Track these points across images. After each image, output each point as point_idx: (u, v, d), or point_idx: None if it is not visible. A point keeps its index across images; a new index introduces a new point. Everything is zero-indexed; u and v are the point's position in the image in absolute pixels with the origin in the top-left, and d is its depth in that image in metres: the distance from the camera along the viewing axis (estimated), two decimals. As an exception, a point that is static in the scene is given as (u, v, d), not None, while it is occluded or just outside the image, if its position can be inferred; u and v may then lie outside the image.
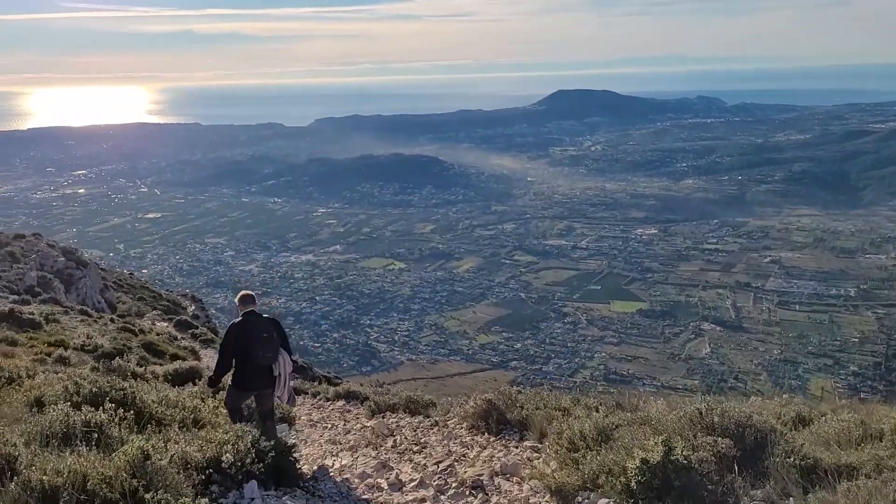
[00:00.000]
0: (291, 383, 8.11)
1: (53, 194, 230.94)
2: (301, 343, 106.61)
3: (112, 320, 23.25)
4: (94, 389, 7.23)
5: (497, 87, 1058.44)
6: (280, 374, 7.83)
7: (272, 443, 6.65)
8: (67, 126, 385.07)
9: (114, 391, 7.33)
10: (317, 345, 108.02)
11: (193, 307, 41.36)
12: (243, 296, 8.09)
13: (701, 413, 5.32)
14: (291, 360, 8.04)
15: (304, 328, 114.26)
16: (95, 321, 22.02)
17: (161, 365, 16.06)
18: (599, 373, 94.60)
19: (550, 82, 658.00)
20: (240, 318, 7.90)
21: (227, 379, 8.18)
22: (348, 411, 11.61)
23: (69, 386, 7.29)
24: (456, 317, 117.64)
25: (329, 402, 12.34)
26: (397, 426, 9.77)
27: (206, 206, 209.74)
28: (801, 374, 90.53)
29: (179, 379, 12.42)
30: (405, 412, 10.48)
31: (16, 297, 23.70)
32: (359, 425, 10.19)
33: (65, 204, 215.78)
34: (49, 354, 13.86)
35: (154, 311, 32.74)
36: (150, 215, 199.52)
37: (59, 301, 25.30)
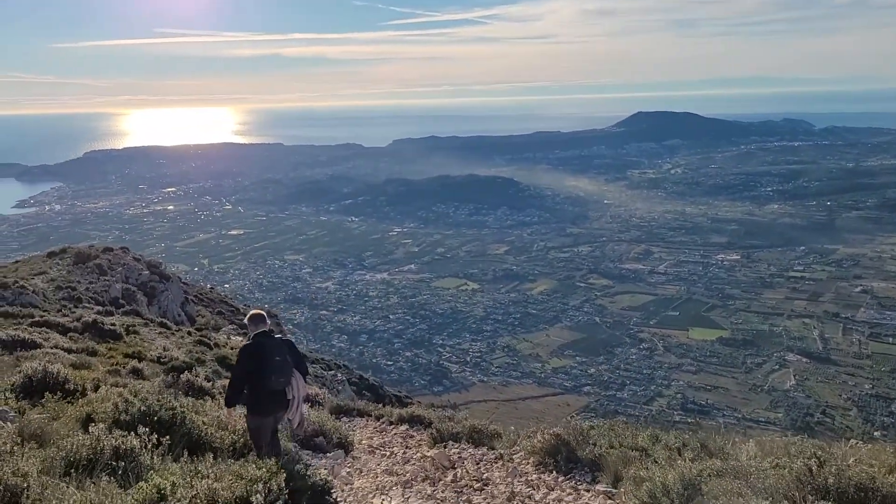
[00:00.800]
0: (305, 407, 7.73)
1: (145, 210, 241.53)
2: (374, 361, 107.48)
3: (189, 333, 23.70)
4: (143, 408, 7.05)
5: (576, 108, 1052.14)
6: (294, 398, 7.39)
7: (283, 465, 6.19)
8: (160, 145, 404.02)
9: (164, 410, 7.15)
10: (389, 363, 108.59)
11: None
12: (253, 315, 7.66)
13: (811, 471, 4.51)
14: (306, 381, 7.68)
15: (378, 346, 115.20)
16: (173, 333, 22.49)
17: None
18: (676, 402, 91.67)
19: (630, 104, 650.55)
20: (251, 341, 7.49)
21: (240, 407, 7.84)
22: (411, 437, 11.02)
23: (119, 404, 7.10)
24: (529, 339, 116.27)
25: (392, 426, 11.76)
26: (459, 458, 9.16)
27: (286, 224, 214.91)
28: (893, 410, 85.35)
29: (245, 395, 12.20)
30: (468, 442, 9.82)
31: (100, 308, 24.44)
32: (419, 454, 9.59)
33: (155, 220, 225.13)
34: (124, 366, 13.98)
35: (230, 326, 33.30)
36: (234, 232, 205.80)
37: (141, 313, 26.02)
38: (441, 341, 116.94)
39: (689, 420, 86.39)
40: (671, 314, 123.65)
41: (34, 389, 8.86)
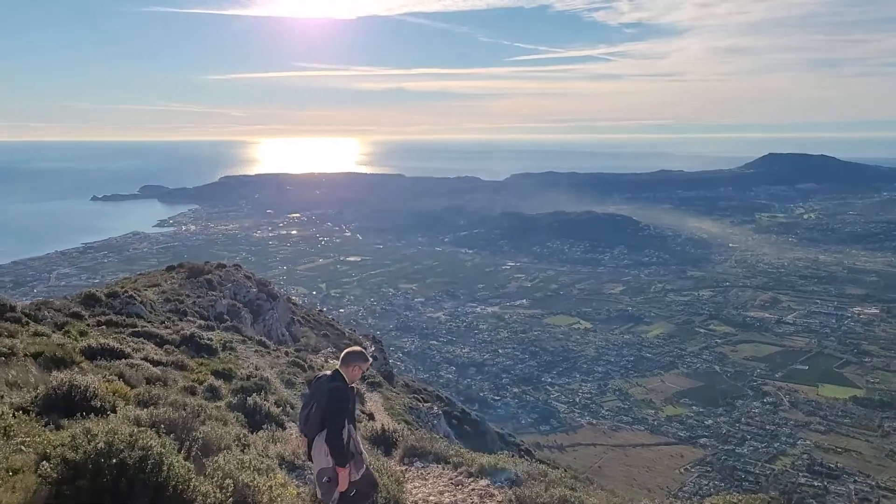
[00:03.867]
0: (325, 479, 6.12)
1: (270, 234, 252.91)
2: (481, 395, 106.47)
3: (286, 353, 23.59)
4: (100, 446, 5.53)
5: (702, 148, 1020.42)
6: (312, 460, 6.17)
7: None
8: (288, 173, 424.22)
9: (132, 451, 5.56)
10: (496, 398, 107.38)
11: (373, 348, 41.76)
12: (345, 351, 6.55)
13: None
14: (332, 453, 6.07)
15: (485, 380, 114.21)
16: (269, 353, 22.39)
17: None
18: (802, 462, 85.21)
19: (761, 145, 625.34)
20: (321, 374, 6.58)
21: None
22: (491, 496, 9.08)
23: (78, 436, 5.71)
24: (642, 384, 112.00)
25: (471, 479, 9.70)
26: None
27: (401, 253, 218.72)
28: None
29: (319, 424, 11.21)
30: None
31: (203, 322, 24.83)
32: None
33: (279, 243, 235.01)
34: (201, 383, 13.58)
35: (330, 349, 33.25)
36: (351, 258, 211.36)
37: (240, 330, 26.30)
38: (550, 380, 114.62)
39: (816, 483, 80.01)
40: (799, 368, 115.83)
41: (57, 405, 8.02)
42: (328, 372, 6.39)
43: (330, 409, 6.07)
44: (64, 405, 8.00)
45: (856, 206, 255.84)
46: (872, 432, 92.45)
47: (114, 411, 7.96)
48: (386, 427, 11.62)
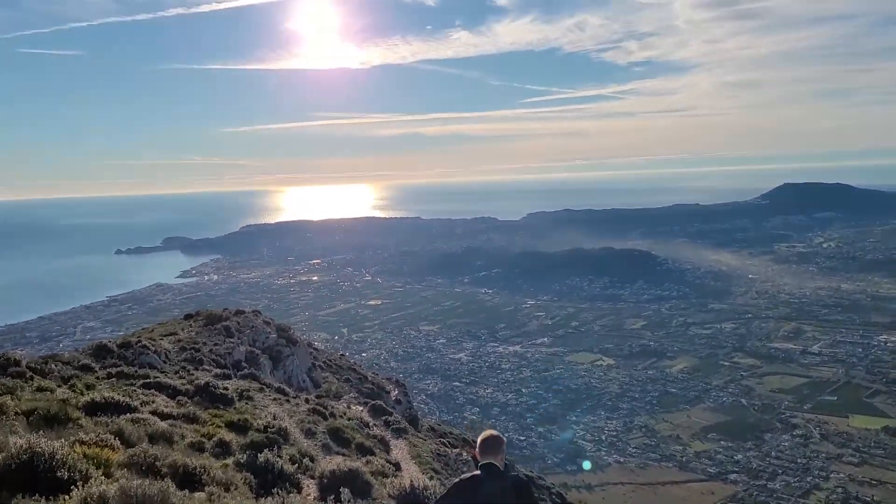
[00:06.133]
0: None
1: (292, 280, 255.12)
2: (506, 435, 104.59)
3: (306, 401, 23.46)
4: None
5: (716, 181, 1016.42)
6: None
7: None
8: (307, 220, 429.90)
9: None
10: (521, 438, 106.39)
11: (397, 392, 41.80)
12: (485, 439, 5.72)
13: None
14: None
15: (510, 420, 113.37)
16: (288, 401, 22.21)
17: (344, 456, 15.23)
18: (837, 496, 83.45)
19: (774, 177, 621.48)
20: (469, 476, 5.61)
21: None
22: None
23: None
24: (668, 420, 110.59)
25: None
26: None
27: (421, 295, 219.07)
28: None
29: (336, 483, 10.20)
30: None
31: (219, 370, 24.82)
32: None
33: (300, 290, 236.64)
34: (211, 437, 12.53)
35: (352, 394, 33.20)
36: (372, 302, 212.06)
37: (258, 377, 26.15)
38: (575, 418, 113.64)
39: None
40: (828, 399, 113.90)
41: (13, 477, 6.72)
42: (477, 472, 5.59)
43: None
44: (24, 477, 6.75)
45: (875, 234, 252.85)
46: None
47: (83, 483, 6.67)
48: (415, 483, 10.68)
